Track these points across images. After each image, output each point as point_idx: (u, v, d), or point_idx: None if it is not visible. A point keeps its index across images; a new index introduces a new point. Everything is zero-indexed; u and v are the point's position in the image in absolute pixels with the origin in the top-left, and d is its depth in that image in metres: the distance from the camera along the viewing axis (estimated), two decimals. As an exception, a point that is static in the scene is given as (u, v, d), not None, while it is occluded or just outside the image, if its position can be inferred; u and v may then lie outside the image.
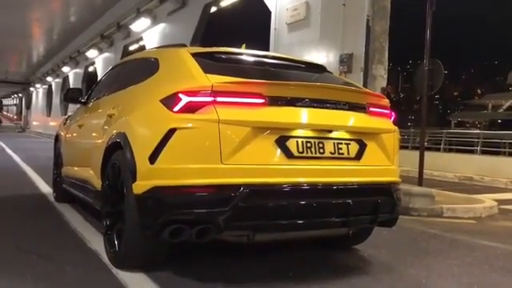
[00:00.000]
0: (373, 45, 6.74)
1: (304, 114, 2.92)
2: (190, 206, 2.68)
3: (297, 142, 2.86)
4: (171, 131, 2.70)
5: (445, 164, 13.84)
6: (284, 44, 8.87)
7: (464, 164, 13.76)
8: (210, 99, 2.72)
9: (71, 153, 4.95)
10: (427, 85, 6.38)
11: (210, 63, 3.13)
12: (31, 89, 43.60)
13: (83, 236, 3.96)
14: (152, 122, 2.93)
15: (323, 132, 2.96)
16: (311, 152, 2.89)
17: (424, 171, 6.98)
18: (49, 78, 34.83)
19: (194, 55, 3.22)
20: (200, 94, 2.73)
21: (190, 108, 2.72)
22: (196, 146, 2.70)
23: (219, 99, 2.72)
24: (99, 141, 3.69)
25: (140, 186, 2.80)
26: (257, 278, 3.10)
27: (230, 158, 2.69)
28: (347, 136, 3.06)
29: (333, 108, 3.02)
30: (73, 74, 28.14)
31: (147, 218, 2.81)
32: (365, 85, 6.69)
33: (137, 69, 3.96)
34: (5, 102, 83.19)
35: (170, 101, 2.78)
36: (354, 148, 3.06)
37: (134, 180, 2.85)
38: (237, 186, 2.66)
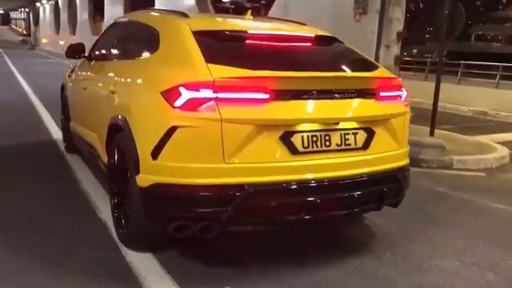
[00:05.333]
0: (391, -16, 6.31)
1: (311, 108, 2.83)
2: (192, 205, 2.70)
3: (302, 136, 2.78)
4: (172, 129, 2.65)
5: (459, 97, 13.56)
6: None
7: (479, 97, 13.48)
8: (211, 95, 2.61)
9: (77, 111, 4.92)
10: (446, 30, 6.04)
11: (211, 47, 2.95)
12: (37, 4, 42.47)
13: (93, 200, 4.04)
14: (153, 116, 2.84)
15: (330, 124, 2.87)
16: (317, 146, 2.82)
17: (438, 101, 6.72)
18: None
19: (196, 34, 3.05)
20: (201, 89, 2.63)
21: (191, 104, 2.63)
22: (198, 145, 2.66)
23: (221, 95, 2.62)
24: (102, 114, 3.64)
25: (144, 180, 2.80)
26: (257, 259, 3.15)
27: (232, 157, 2.65)
28: (355, 125, 2.96)
29: (340, 98, 2.90)
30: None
31: (151, 211, 2.85)
32: (380, 28, 6.38)
33: (138, 37, 3.86)
34: (12, 15, 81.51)
35: (170, 94, 2.67)
36: (361, 137, 2.97)
37: (138, 172, 2.83)
38: (240, 186, 2.64)
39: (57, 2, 34.96)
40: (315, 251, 3.31)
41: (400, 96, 3.24)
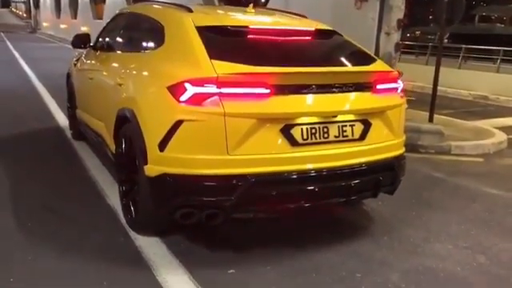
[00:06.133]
0: (392, -29, 6.36)
1: (309, 101, 2.97)
2: (198, 194, 2.85)
3: (301, 129, 2.92)
4: (178, 123, 2.79)
5: (460, 81, 13.62)
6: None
7: (480, 82, 13.53)
8: (215, 91, 2.74)
9: (83, 100, 5.05)
10: (445, 19, 6.10)
11: (215, 43, 3.07)
12: (38, -14, 42.20)
13: (102, 188, 4.20)
14: (160, 110, 2.97)
15: (328, 117, 3.02)
16: (315, 138, 2.96)
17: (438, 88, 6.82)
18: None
19: (200, 29, 3.16)
20: (206, 85, 2.75)
21: (196, 99, 2.75)
22: (203, 137, 2.79)
23: (225, 91, 2.75)
24: (110, 105, 3.77)
25: (151, 170, 2.95)
26: (259, 244, 3.32)
27: (236, 149, 2.79)
28: (352, 117, 3.11)
29: (338, 91, 3.04)
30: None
31: (159, 200, 3.02)
32: (380, 16, 6.44)
33: (143, 30, 3.99)
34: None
35: (176, 89, 2.80)
36: (358, 129, 3.12)
37: (146, 163, 2.98)
38: (243, 176, 2.79)
39: (57, -15, 34.73)
40: (314, 236, 3.47)
41: (396, 88, 3.37)
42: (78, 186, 4.24)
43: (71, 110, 5.63)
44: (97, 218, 3.59)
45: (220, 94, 2.73)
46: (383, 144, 3.27)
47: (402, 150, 3.47)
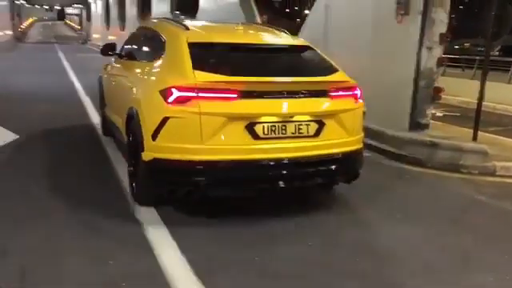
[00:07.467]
0: (435, -16, 6.13)
1: (270, 105, 3.67)
2: (179, 175, 3.66)
3: (263, 126, 3.63)
4: (165, 119, 3.55)
5: (510, 96, 12.98)
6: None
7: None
8: (194, 95, 3.50)
9: (109, 100, 5.89)
10: (492, 32, 5.82)
11: (199, 56, 3.78)
12: (90, 0, 43.97)
13: (119, 175, 4.86)
14: (153, 108, 3.74)
15: (286, 117, 3.70)
16: (274, 133, 3.66)
17: (484, 103, 6.48)
18: (105, -9, 34.80)
19: (190, 45, 3.89)
20: (187, 90, 3.52)
21: (179, 101, 3.52)
22: (183, 130, 3.55)
23: (201, 95, 3.51)
24: (124, 104, 4.55)
25: (146, 155, 3.74)
26: (241, 212, 4.04)
27: (209, 140, 3.53)
28: (307, 118, 3.77)
29: (296, 97, 3.71)
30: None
31: (151, 178, 3.83)
32: (422, 30, 6.22)
33: (152, 42, 4.71)
34: (67, 10, 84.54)
35: (165, 93, 3.58)
36: (313, 127, 3.78)
37: (143, 150, 3.76)
38: (214, 162, 3.57)
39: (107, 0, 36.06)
40: (290, 209, 4.17)
41: (351, 95, 4.01)
42: (102, 174, 4.99)
43: (101, 109, 6.45)
44: (111, 193, 4.41)
45: (197, 98, 3.50)
46: (336, 141, 3.90)
47: (356, 146, 4.07)
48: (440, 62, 6.36)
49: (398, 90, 6.57)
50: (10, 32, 35.58)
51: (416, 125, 6.44)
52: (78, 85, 12.17)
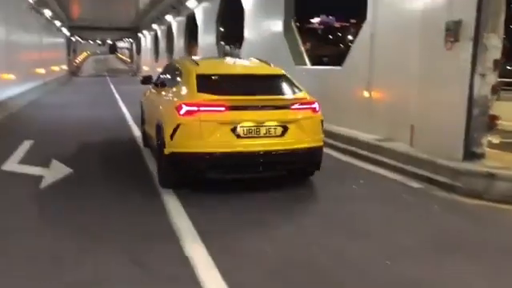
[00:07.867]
0: (487, 9, 5.91)
1: (248, 115, 5.34)
2: (188, 163, 5.40)
3: (243, 129, 5.32)
4: (178, 125, 5.33)
5: None
6: (384, 11, 8.15)
7: None
8: (196, 109, 5.30)
9: (146, 117, 7.75)
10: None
11: (202, 83, 5.60)
12: (139, 35, 45.83)
13: (153, 177, 6.21)
14: (171, 118, 5.51)
15: (259, 123, 5.36)
16: (251, 134, 5.35)
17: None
18: (154, 26, 36.17)
19: (197, 76, 5.73)
20: (192, 105, 5.31)
21: (187, 113, 5.31)
22: (190, 132, 5.31)
23: (201, 109, 5.29)
24: (155, 118, 6.42)
25: (167, 150, 5.48)
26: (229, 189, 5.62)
27: (207, 138, 5.28)
28: (275, 124, 5.44)
29: (267, 109, 5.41)
30: (175, 23, 28.92)
31: (170, 166, 5.54)
32: (474, 57, 5.99)
33: (174, 73, 6.59)
34: (118, 44, 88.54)
35: (178, 108, 5.38)
36: (279, 130, 5.46)
37: (165, 147, 5.52)
38: (211, 152, 5.29)
39: (156, 33, 37.47)
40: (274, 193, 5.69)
41: (309, 108, 5.64)
42: (138, 171, 6.73)
43: (142, 126, 8.37)
44: (145, 183, 6.06)
45: (198, 111, 5.29)
46: (297, 139, 5.51)
47: (312, 144, 5.64)
48: (495, 89, 6.08)
49: (450, 119, 6.33)
50: (65, 67, 37.56)
51: (471, 154, 6.15)
52: (128, 115, 12.95)
